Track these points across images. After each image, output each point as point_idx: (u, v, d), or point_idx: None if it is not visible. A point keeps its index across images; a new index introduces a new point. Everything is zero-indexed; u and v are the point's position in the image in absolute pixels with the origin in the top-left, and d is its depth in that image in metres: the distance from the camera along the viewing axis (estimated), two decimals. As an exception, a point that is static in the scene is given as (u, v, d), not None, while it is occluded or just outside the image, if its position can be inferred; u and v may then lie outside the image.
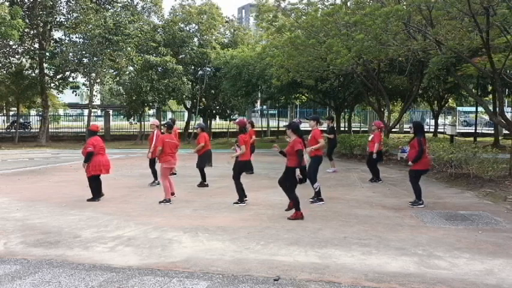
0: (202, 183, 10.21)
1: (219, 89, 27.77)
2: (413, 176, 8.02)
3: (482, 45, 10.50)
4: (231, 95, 26.07)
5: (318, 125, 8.71)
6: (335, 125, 22.78)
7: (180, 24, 28.71)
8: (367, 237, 5.92)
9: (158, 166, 9.56)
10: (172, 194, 8.56)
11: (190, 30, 29.28)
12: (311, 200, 8.29)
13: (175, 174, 11.27)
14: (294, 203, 6.99)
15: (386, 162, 14.45)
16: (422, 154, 7.78)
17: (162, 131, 8.76)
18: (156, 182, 10.32)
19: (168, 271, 4.71)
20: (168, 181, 8.45)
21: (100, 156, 8.51)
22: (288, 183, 6.99)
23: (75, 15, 25.38)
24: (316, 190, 8.26)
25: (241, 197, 8.17)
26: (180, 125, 26.57)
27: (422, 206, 7.86)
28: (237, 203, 8.11)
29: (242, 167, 8.27)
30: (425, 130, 30.49)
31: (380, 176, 10.93)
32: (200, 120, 31.61)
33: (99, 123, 32.62)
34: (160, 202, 8.29)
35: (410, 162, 7.96)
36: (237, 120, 9.22)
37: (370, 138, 11.09)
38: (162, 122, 17.49)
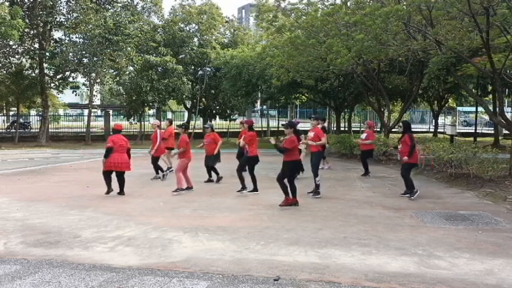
0: (211, 179, 10.91)
1: (219, 89, 27.77)
2: (406, 168, 8.70)
3: (482, 45, 10.49)
4: (231, 95, 26.08)
5: (321, 124, 9.56)
6: (334, 126, 22.87)
7: (180, 24, 28.72)
8: (367, 237, 5.92)
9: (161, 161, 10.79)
10: (191, 187, 9.53)
11: (190, 30, 29.30)
12: (310, 192, 8.93)
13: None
14: (293, 191, 7.78)
15: (386, 162, 14.47)
16: (414, 148, 8.55)
17: (177, 131, 10.21)
18: (160, 175, 11.26)
19: (168, 271, 4.71)
20: (184, 175, 9.45)
21: (116, 154, 8.92)
22: (287, 176, 7.69)
23: (75, 15, 25.36)
24: (318, 183, 8.88)
25: (255, 186, 9.11)
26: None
27: (418, 192, 8.50)
28: (240, 191, 9.11)
29: (248, 161, 9.17)
30: (426, 130, 30.91)
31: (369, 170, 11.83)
32: (200, 121, 31.61)
33: (99, 123, 32.69)
34: (173, 191, 9.18)
35: (405, 157, 8.55)
36: (245, 120, 10.60)
37: (363, 137, 12.12)
38: (162, 122, 17.51)
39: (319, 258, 5.10)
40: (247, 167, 9.21)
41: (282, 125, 8.34)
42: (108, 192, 8.96)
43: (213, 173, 10.93)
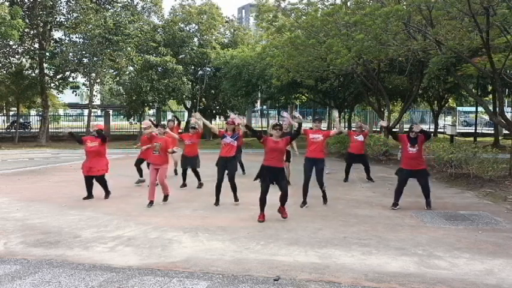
0: (185, 184, 9.96)
1: (219, 89, 27.75)
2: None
3: (482, 45, 10.49)
4: (231, 95, 26.06)
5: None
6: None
7: (180, 24, 28.70)
8: (367, 237, 5.92)
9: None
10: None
11: (190, 30, 29.28)
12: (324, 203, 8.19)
13: (175, 174, 11.44)
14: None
15: (386, 162, 14.46)
16: None
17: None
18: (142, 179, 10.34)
19: (168, 271, 4.71)
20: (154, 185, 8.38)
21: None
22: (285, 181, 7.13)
23: (75, 15, 25.36)
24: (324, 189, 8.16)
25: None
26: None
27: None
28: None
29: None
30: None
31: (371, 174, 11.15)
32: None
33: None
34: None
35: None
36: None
37: (361, 139, 11.09)
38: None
39: (319, 258, 5.10)
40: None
41: (279, 121, 7.47)
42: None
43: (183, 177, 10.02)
